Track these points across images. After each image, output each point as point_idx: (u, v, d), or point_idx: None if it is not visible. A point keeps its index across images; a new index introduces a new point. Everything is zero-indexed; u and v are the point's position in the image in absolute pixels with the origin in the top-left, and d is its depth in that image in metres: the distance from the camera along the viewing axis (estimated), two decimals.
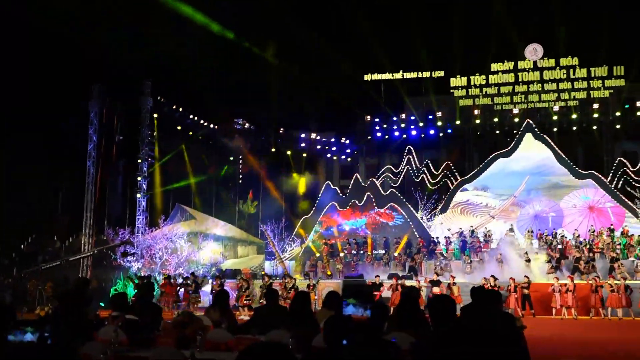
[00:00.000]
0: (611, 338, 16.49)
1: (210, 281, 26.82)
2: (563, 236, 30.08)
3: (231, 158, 38.18)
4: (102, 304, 20.05)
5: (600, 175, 34.34)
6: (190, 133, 34.72)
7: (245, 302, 23.30)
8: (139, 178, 31.02)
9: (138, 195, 30.99)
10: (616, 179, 34.65)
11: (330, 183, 35.27)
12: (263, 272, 28.47)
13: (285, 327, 6.07)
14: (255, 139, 38.40)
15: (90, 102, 30.50)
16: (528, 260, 26.83)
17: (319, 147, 39.73)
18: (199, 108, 34.46)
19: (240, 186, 38.90)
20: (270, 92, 37.48)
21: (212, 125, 35.71)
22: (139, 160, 31.18)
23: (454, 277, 23.41)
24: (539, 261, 27.30)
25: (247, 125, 38.74)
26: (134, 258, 28.51)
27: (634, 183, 34.13)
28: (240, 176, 38.77)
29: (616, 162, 35.36)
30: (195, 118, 34.33)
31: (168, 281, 24.26)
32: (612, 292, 21.48)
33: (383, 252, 30.98)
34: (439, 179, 37.22)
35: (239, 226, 35.91)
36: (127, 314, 7.04)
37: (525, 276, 23.21)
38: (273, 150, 38.30)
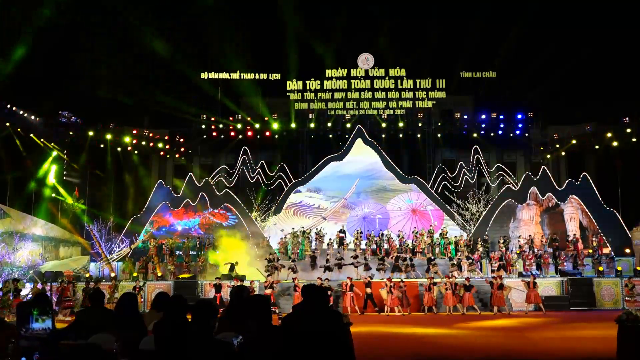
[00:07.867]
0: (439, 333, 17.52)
1: (26, 284, 24.99)
2: (389, 237, 31.72)
3: (54, 153, 35.47)
4: None
5: (422, 180, 36.75)
6: (8, 124, 31.74)
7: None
8: None
9: None
10: (436, 184, 37.29)
11: (162, 182, 34.16)
12: (88, 274, 27.00)
13: (110, 331, 5.75)
14: (82, 133, 36.07)
15: None
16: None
17: (151, 144, 38.35)
18: (17, 98, 31.65)
19: (65, 183, 36.28)
20: (98, 84, 35.38)
21: (33, 117, 33.04)
22: None
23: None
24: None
25: (73, 118, 36.28)
26: None
27: (451, 188, 36.95)
28: (65, 172, 36.16)
29: (437, 168, 38.09)
30: (14, 108, 31.49)
31: None
32: (447, 291, 23.09)
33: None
34: (273, 180, 37.64)
35: (61, 225, 33.54)
36: None
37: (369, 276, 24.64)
38: (102, 146, 36.34)
